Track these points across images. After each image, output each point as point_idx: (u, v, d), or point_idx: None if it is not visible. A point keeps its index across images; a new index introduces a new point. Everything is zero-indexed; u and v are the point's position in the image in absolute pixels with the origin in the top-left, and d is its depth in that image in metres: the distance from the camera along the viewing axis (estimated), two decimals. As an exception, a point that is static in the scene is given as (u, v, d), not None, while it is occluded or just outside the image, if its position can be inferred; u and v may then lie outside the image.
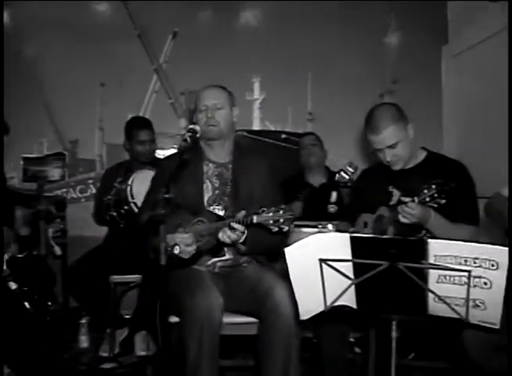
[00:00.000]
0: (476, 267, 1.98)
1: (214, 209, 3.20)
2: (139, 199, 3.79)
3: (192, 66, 5.59)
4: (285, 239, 3.02)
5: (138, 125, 4.71)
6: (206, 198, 3.23)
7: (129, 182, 4.13)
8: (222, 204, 3.23)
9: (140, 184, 3.95)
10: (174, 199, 2.53)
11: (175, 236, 2.91)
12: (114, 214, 4.23)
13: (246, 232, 2.91)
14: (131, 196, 4.06)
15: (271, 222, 2.73)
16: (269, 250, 3.20)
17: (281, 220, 2.73)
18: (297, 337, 2.85)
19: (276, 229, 2.74)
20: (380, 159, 3.20)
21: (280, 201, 3.08)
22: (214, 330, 2.79)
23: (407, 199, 2.93)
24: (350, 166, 3.60)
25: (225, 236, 2.90)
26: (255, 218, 2.77)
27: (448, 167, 3.18)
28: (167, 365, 2.80)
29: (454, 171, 3.14)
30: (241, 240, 2.95)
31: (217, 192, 3.25)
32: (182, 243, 2.89)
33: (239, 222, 2.84)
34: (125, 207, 4.11)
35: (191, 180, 3.21)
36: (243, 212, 2.86)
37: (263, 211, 2.77)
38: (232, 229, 2.86)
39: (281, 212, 2.73)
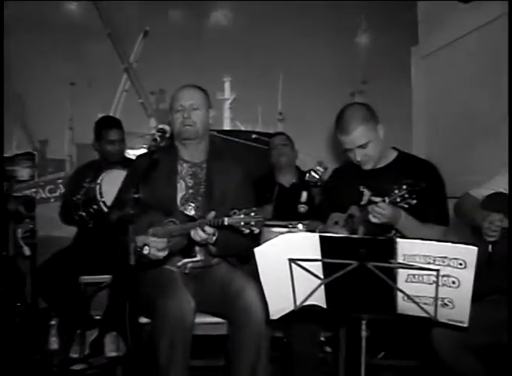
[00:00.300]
0: (444, 266, 1.99)
1: (186, 208, 3.20)
2: (108, 198, 3.79)
3: (162, 65, 5.56)
4: (255, 241, 3.01)
5: (107, 125, 4.68)
6: (179, 197, 3.22)
7: (98, 181, 4.11)
8: (195, 203, 3.23)
9: (109, 183, 3.94)
10: (145, 199, 2.52)
11: (147, 239, 2.87)
12: (83, 214, 4.20)
13: (216, 233, 2.91)
14: (100, 195, 4.05)
15: (242, 224, 2.72)
16: (240, 252, 3.20)
17: (252, 222, 2.72)
18: (267, 337, 2.86)
19: (247, 231, 2.73)
20: (350, 158, 3.21)
21: (253, 203, 3.08)
22: (186, 330, 2.78)
23: (378, 199, 2.94)
24: (320, 165, 3.61)
25: (196, 235, 2.88)
26: (226, 220, 2.76)
27: (419, 167, 3.19)
28: (137, 366, 2.79)
29: (424, 171, 3.16)
30: (211, 241, 2.94)
31: (190, 191, 3.25)
32: (154, 247, 2.87)
33: (209, 224, 2.84)
34: (94, 207, 4.09)
35: (165, 179, 3.21)
36: (212, 213, 2.85)
37: (234, 213, 2.75)
38: (202, 230, 2.86)
39: (252, 214, 2.72)
